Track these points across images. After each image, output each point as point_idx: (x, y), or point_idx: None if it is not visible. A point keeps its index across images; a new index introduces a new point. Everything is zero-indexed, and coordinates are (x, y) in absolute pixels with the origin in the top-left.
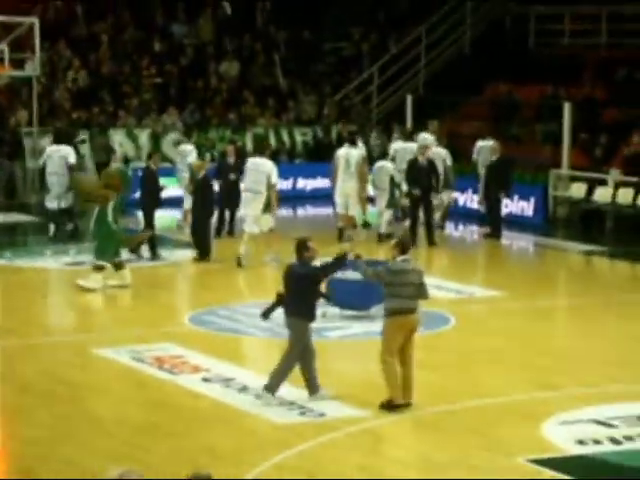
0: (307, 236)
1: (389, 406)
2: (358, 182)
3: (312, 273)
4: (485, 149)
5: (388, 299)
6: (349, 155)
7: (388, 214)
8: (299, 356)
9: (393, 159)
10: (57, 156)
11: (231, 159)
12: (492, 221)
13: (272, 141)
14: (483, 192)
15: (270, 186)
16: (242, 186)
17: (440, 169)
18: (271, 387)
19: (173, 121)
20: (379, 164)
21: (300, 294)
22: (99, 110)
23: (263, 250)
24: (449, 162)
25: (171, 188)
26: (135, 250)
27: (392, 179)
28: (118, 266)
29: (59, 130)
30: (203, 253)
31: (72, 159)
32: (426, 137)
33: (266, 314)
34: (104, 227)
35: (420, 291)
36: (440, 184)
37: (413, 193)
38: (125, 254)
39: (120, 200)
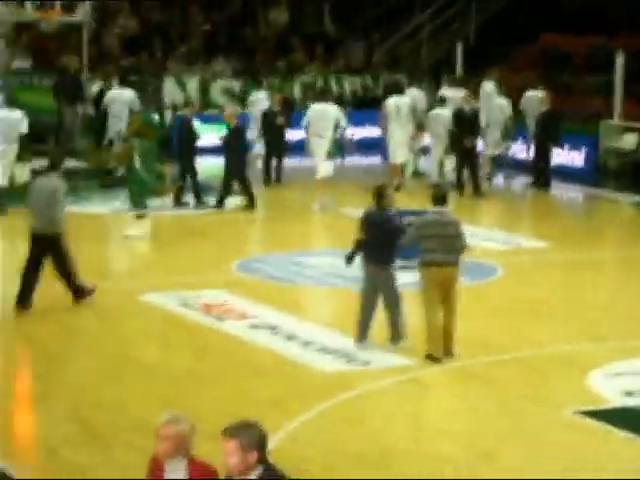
0: (385, 183)
1: (428, 357)
2: (412, 130)
3: (400, 225)
4: (533, 99)
5: (421, 252)
6: (399, 103)
7: (450, 162)
8: (398, 296)
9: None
10: (120, 100)
11: (276, 106)
12: (541, 172)
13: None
14: (532, 143)
15: (339, 130)
16: (309, 132)
17: (500, 119)
18: (397, 337)
19: (223, 68)
20: (434, 112)
21: (381, 241)
22: (148, 57)
23: (311, 198)
24: (508, 112)
25: (211, 135)
26: (177, 201)
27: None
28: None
29: (125, 73)
30: (250, 201)
31: (136, 105)
32: (487, 85)
33: (349, 259)
34: (133, 175)
35: (456, 243)
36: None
37: (464, 143)
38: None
39: (149, 147)
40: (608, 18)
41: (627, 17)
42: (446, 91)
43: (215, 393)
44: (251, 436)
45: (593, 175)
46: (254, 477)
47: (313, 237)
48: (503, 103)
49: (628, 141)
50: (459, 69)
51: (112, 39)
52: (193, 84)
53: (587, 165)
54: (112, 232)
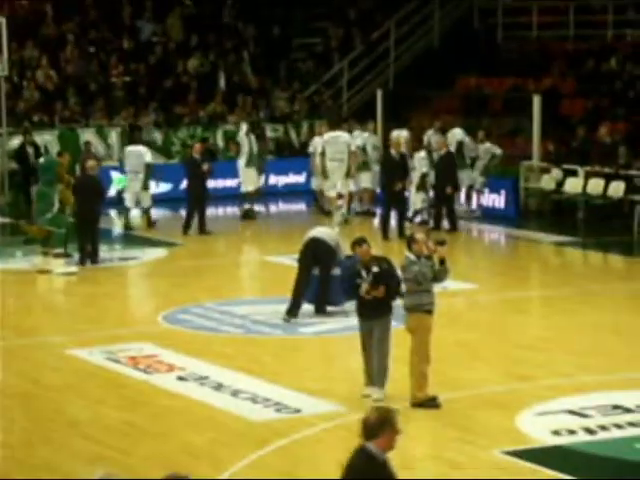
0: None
1: (425, 404)
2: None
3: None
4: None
5: (421, 299)
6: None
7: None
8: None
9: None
10: (134, 155)
11: (197, 155)
12: (447, 215)
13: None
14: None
15: (351, 153)
16: (325, 158)
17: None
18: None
19: (148, 120)
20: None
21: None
22: (68, 109)
23: (236, 246)
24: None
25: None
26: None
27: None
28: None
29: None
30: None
31: (149, 158)
32: (400, 133)
33: None
34: None
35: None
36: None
37: (393, 187)
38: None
39: (40, 190)
40: (522, 62)
41: (539, 60)
42: (432, 137)
43: (146, 446)
44: None
45: (514, 216)
46: None
47: (239, 286)
48: (489, 146)
49: (547, 182)
50: (380, 115)
51: (32, 92)
52: (114, 135)
53: (508, 206)
54: (35, 287)
